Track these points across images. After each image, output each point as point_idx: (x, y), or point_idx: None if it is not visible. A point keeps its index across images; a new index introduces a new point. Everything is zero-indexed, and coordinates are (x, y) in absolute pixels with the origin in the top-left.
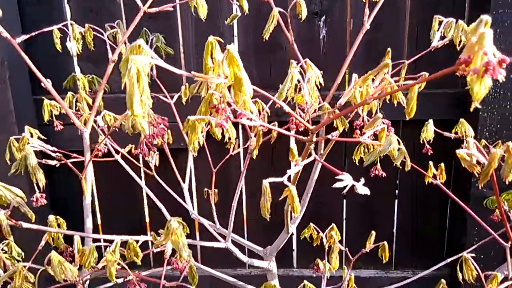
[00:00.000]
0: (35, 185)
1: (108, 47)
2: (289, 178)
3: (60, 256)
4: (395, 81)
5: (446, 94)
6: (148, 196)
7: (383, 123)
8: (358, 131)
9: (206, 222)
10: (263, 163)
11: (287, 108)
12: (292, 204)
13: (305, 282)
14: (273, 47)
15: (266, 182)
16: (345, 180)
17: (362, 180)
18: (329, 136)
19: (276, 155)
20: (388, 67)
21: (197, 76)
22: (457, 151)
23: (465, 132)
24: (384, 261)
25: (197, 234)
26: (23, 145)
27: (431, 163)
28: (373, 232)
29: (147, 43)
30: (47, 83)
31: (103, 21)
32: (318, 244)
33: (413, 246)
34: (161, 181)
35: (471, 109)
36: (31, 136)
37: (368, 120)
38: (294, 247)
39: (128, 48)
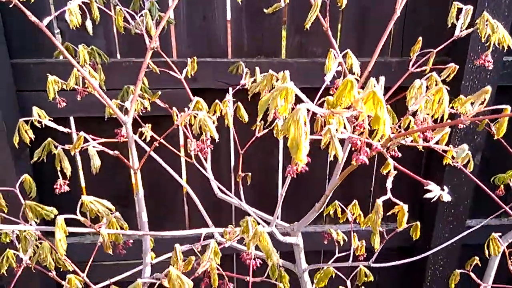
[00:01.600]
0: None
1: (145, 35)
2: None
3: (178, 271)
4: (423, 71)
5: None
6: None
7: None
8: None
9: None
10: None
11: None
12: (401, 220)
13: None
14: (264, 13)
15: (379, 201)
16: (434, 190)
17: (446, 189)
18: (402, 142)
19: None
20: (488, 93)
21: (334, 112)
22: None
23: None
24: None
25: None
26: (79, 145)
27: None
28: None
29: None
30: (71, 59)
31: None
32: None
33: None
34: (197, 165)
35: None
36: (39, 116)
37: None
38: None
39: (274, 91)
